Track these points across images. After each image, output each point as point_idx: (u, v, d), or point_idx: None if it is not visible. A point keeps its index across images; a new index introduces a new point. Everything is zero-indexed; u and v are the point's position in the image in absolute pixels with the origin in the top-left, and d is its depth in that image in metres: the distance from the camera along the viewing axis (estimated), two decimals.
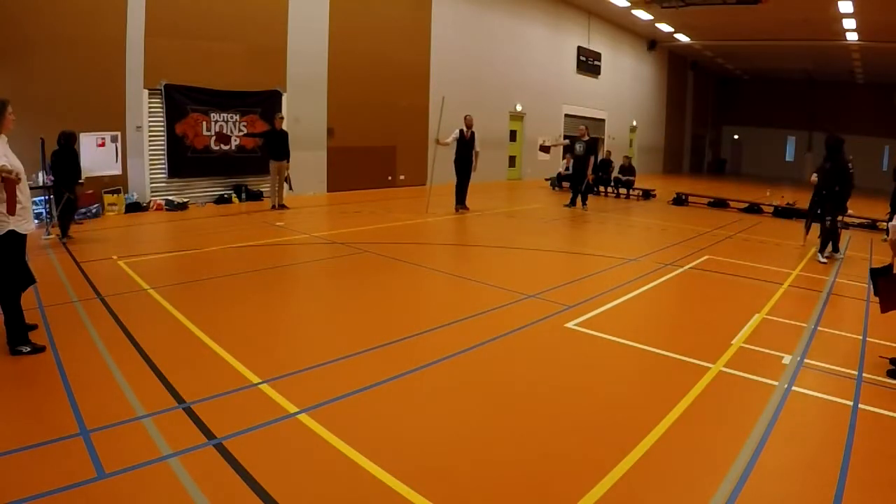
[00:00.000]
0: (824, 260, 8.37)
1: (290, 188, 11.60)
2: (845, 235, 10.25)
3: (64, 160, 7.78)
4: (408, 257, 7.45)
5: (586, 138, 13.17)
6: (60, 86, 9.22)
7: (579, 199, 13.19)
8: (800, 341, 4.81)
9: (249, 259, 7.08)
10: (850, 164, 8.67)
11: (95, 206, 9.68)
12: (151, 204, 10.55)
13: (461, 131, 11.38)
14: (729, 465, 2.88)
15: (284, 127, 11.41)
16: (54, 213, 8.72)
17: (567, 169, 17.99)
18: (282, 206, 11.09)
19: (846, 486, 2.74)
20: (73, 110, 9.39)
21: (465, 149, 11.44)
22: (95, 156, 9.83)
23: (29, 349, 3.87)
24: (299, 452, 2.88)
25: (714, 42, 25.55)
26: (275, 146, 11.07)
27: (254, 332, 4.59)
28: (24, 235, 3.94)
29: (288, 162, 11.26)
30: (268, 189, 11.95)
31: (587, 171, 13.05)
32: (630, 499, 2.62)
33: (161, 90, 10.50)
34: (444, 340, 4.51)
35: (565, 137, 13.95)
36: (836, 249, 8.71)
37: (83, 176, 9.49)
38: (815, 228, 9.84)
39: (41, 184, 8.58)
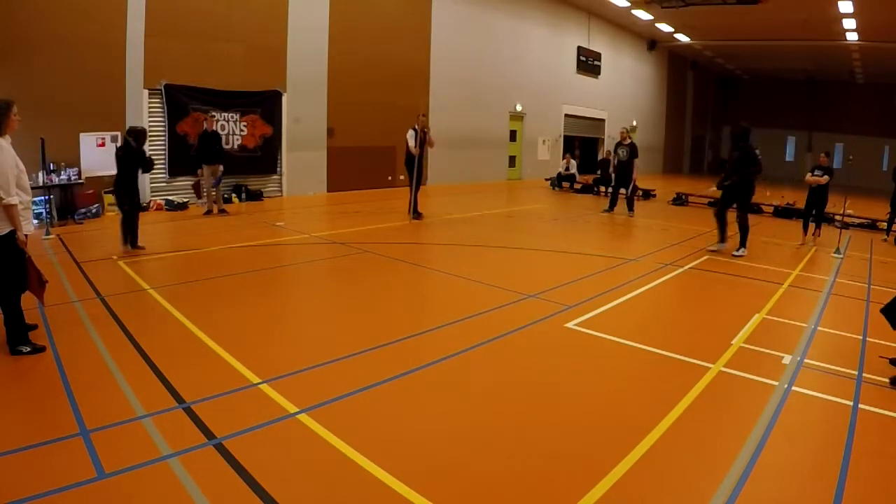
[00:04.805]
0: (737, 253, 8.27)
1: (231, 197, 10.95)
2: (845, 235, 10.25)
3: (127, 161, 6.99)
4: (408, 257, 7.45)
5: (628, 142, 12.66)
6: (60, 86, 9.22)
7: (622, 204, 12.83)
8: (800, 341, 4.81)
9: (249, 259, 7.08)
10: (757, 152, 8.36)
11: (95, 206, 9.68)
12: (151, 204, 10.55)
13: (416, 130, 10.17)
14: (729, 465, 2.88)
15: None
16: (54, 214, 8.74)
17: (567, 169, 18.05)
18: (222, 212, 10.28)
19: (846, 486, 2.74)
20: (73, 110, 9.40)
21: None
22: (95, 156, 9.82)
23: (29, 349, 3.87)
24: (299, 452, 2.88)
25: (714, 42, 25.55)
26: (206, 148, 10.20)
27: (254, 332, 4.60)
28: (25, 236, 3.94)
29: (221, 165, 10.31)
30: (273, 188, 11.98)
31: (632, 175, 12.59)
32: (630, 499, 2.62)
33: (161, 90, 10.50)
34: (444, 340, 4.51)
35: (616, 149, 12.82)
36: (742, 244, 8.45)
37: (83, 176, 9.52)
38: (811, 228, 9.88)
39: (41, 184, 8.59)
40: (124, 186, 7.04)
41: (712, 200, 15.16)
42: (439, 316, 5.09)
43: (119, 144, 7.10)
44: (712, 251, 8.49)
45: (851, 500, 2.65)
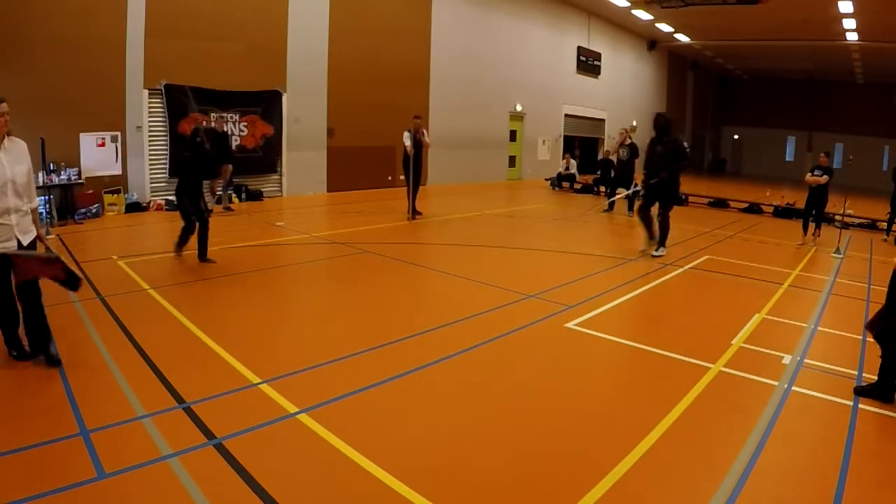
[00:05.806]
0: (656, 253, 7.91)
1: (231, 197, 11.01)
2: (845, 235, 10.25)
3: (195, 165, 6.43)
4: (408, 257, 7.45)
5: (628, 142, 12.63)
6: (60, 86, 9.21)
7: (622, 204, 12.74)
8: (800, 341, 4.81)
9: (249, 259, 7.08)
10: (686, 145, 7.78)
11: (95, 205, 9.68)
12: (151, 204, 10.55)
13: (411, 132, 10.40)
14: (729, 465, 2.88)
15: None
16: (54, 214, 8.70)
17: (567, 169, 18.04)
18: (227, 209, 10.59)
19: (846, 486, 2.74)
20: (73, 110, 9.40)
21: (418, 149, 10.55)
22: (95, 156, 9.83)
23: (15, 354, 3.79)
24: (299, 452, 2.88)
25: (714, 42, 25.54)
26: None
27: (254, 332, 4.60)
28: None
29: (230, 165, 10.21)
30: (273, 188, 11.93)
31: (633, 175, 12.46)
32: (630, 499, 2.62)
33: (161, 90, 10.50)
34: (444, 340, 4.51)
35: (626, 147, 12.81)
36: (662, 244, 8.05)
37: (83, 176, 9.51)
38: (811, 227, 9.87)
39: (41, 184, 8.59)
40: (188, 193, 6.46)
41: (711, 200, 15.21)
42: (439, 316, 5.09)
43: (188, 144, 6.59)
44: (644, 252, 8.06)
45: (851, 500, 2.65)
